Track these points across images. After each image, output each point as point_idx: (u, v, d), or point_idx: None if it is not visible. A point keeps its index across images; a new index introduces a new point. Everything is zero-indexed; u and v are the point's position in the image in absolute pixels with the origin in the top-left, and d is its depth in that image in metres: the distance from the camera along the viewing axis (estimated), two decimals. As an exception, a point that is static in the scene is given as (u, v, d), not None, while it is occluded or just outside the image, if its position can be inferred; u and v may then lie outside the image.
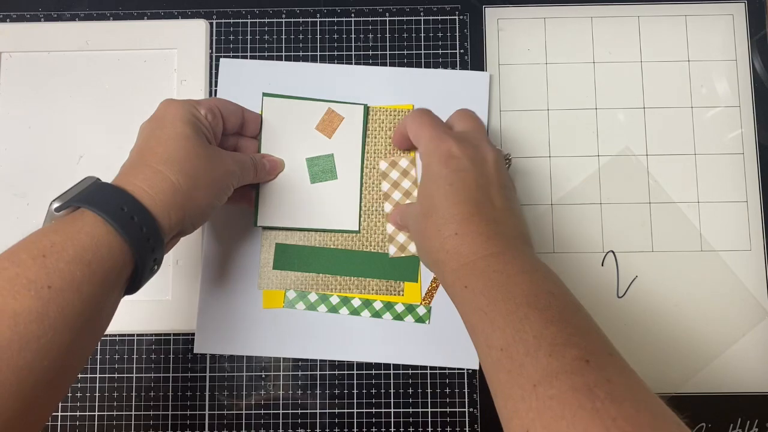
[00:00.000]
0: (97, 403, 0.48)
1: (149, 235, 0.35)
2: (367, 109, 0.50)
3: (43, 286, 0.31)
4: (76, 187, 0.37)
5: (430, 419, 0.48)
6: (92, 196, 0.35)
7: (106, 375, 0.49)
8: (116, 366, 0.49)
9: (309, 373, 0.48)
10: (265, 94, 0.50)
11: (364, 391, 0.48)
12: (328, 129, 0.49)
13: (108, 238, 0.34)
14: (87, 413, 0.48)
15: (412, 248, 0.49)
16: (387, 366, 0.48)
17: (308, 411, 0.48)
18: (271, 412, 0.48)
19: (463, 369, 0.48)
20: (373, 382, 0.48)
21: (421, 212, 0.41)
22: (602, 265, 0.49)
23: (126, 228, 0.34)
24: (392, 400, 0.48)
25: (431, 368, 0.48)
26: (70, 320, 0.31)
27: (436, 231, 0.39)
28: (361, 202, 0.49)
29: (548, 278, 0.36)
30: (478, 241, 0.37)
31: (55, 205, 0.35)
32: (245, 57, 0.52)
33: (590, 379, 0.29)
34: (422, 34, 0.52)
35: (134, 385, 0.48)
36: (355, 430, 0.48)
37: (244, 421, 0.48)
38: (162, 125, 0.40)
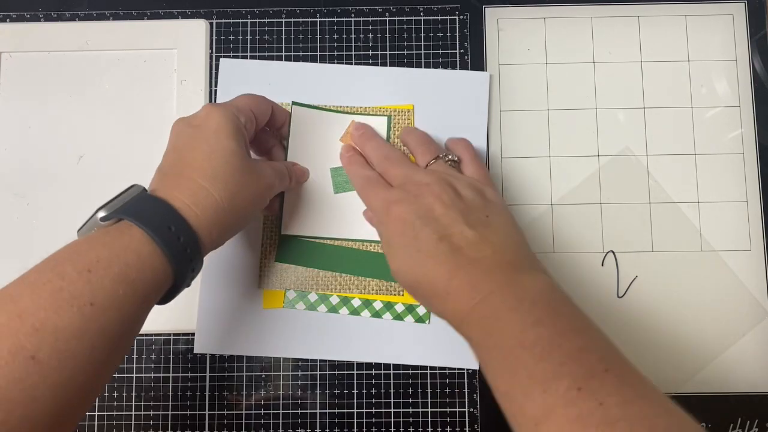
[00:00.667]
0: (97, 403, 0.48)
1: (192, 256, 0.35)
2: (390, 120, 0.50)
3: (86, 303, 0.30)
4: (123, 197, 0.36)
5: (430, 419, 0.48)
6: (140, 210, 0.34)
7: (106, 375, 0.49)
8: (116, 366, 0.49)
9: (309, 373, 0.48)
10: (294, 103, 0.50)
11: (364, 391, 0.48)
12: (346, 137, 0.50)
13: (153, 257, 0.33)
14: (87, 413, 0.48)
15: None
16: (387, 366, 0.48)
17: (308, 411, 0.48)
18: (271, 412, 0.48)
19: (463, 369, 0.48)
20: (373, 382, 0.48)
21: (406, 285, 0.40)
22: (602, 265, 0.49)
23: (172, 249, 0.34)
24: (392, 400, 0.48)
25: (431, 368, 0.48)
26: (109, 338, 0.31)
27: (427, 304, 0.39)
28: None
29: (535, 304, 0.34)
30: (464, 293, 0.36)
31: (101, 214, 0.34)
32: (245, 57, 0.52)
33: (583, 409, 0.29)
34: (422, 34, 0.52)
35: (134, 385, 0.48)
36: (355, 430, 0.48)
37: (244, 421, 0.48)
38: (206, 137, 0.38)
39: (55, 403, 0.29)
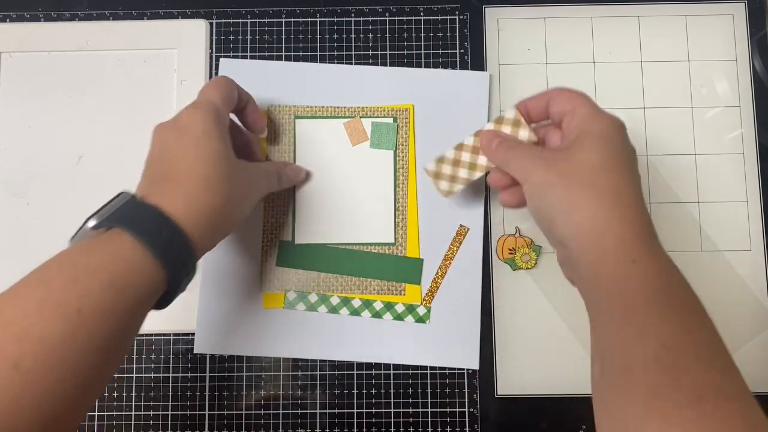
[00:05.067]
0: (97, 403, 0.48)
1: (186, 260, 0.35)
2: (396, 121, 0.50)
3: (73, 310, 0.30)
4: (112, 204, 0.36)
5: (430, 419, 0.48)
6: (130, 216, 0.34)
7: (106, 375, 0.49)
8: (116, 366, 0.49)
9: (309, 373, 0.48)
10: (297, 117, 0.50)
11: (364, 391, 0.48)
12: (353, 136, 0.50)
13: (145, 263, 0.33)
14: (87, 413, 0.48)
15: (458, 188, 0.45)
16: (387, 366, 0.48)
17: (308, 411, 0.48)
18: (271, 412, 0.48)
19: (463, 369, 0.48)
20: (373, 382, 0.48)
21: (575, 179, 0.36)
22: None
23: (164, 253, 0.33)
24: (392, 400, 0.48)
25: (431, 368, 0.48)
26: (98, 344, 0.31)
27: (625, 191, 0.35)
28: (395, 213, 0.49)
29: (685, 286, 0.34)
30: (650, 226, 0.35)
31: (92, 223, 0.34)
32: (245, 57, 0.52)
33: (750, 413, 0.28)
34: (422, 34, 0.52)
35: (134, 385, 0.48)
36: (355, 430, 0.48)
37: (244, 421, 0.48)
38: (194, 140, 0.38)
39: (42, 413, 0.29)
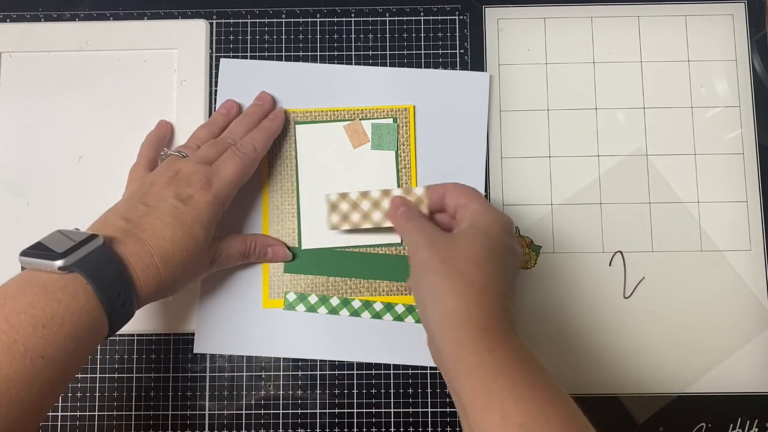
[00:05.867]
0: (97, 403, 0.48)
1: (130, 315, 0.38)
2: (396, 121, 0.50)
3: (38, 356, 0.32)
4: (82, 247, 0.35)
5: (430, 419, 0.48)
6: (99, 271, 0.35)
7: (106, 375, 0.49)
8: (116, 366, 0.49)
9: (309, 373, 0.48)
10: (297, 123, 0.50)
11: (364, 391, 0.48)
12: (354, 138, 0.50)
13: (101, 320, 0.35)
14: (87, 413, 0.48)
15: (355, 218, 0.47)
16: (387, 366, 0.48)
17: (308, 411, 0.48)
18: (271, 412, 0.48)
19: (463, 369, 0.48)
20: (373, 382, 0.48)
21: (452, 263, 0.38)
22: (610, 265, 0.49)
23: (115, 312, 0.36)
24: (392, 400, 0.48)
25: (431, 368, 0.48)
26: (55, 387, 0.33)
27: (491, 285, 0.37)
28: None
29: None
30: (509, 319, 0.37)
31: (59, 263, 0.34)
32: (245, 57, 0.52)
33: None
34: (422, 34, 0.52)
35: (134, 385, 0.48)
36: (355, 430, 0.48)
37: (244, 421, 0.48)
38: (182, 220, 0.40)
39: None
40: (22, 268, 0.36)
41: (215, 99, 0.51)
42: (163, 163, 0.44)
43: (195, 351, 0.49)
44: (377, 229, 0.49)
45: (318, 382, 0.48)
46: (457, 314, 0.36)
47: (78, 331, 0.34)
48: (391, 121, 0.50)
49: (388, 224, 0.46)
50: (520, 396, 0.33)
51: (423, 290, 0.38)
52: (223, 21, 0.52)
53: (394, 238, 0.49)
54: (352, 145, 0.50)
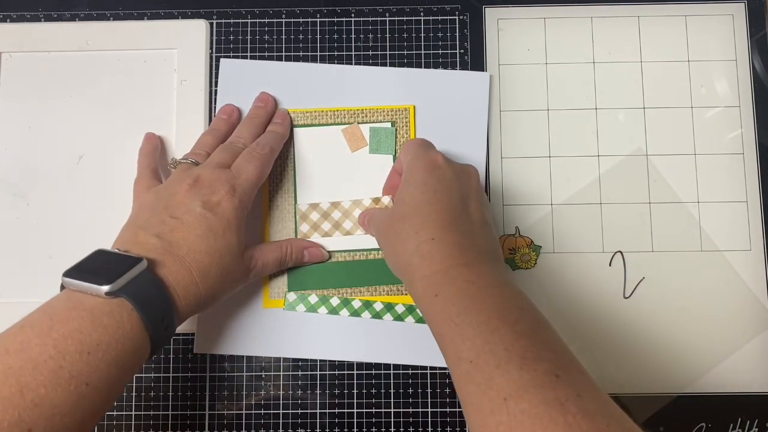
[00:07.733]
0: (97, 403, 0.48)
1: (171, 337, 0.38)
2: (394, 125, 0.50)
3: (83, 383, 0.32)
4: (128, 272, 0.35)
5: (430, 419, 0.48)
6: (145, 297, 0.35)
7: (106, 375, 0.49)
8: (116, 366, 0.49)
9: (309, 373, 0.49)
10: (295, 125, 0.50)
11: (364, 391, 0.48)
12: (352, 142, 0.50)
13: (144, 345, 0.36)
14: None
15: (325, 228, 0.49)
16: (387, 366, 0.48)
17: (308, 411, 0.48)
18: (271, 412, 0.48)
19: (463, 369, 0.48)
20: (373, 382, 0.48)
21: (399, 215, 0.40)
22: (610, 265, 0.49)
23: (159, 337, 0.36)
24: (392, 400, 0.48)
25: (431, 368, 0.48)
26: (97, 413, 0.34)
27: (413, 234, 0.38)
28: None
29: (519, 295, 0.36)
30: (453, 249, 0.37)
31: (106, 289, 0.34)
32: (245, 57, 0.52)
33: (561, 394, 0.29)
34: (422, 34, 0.52)
35: (134, 385, 0.48)
36: (355, 430, 0.48)
37: (244, 421, 0.48)
38: (215, 230, 0.40)
39: None
40: (62, 287, 0.36)
41: (215, 99, 0.51)
42: (177, 170, 0.44)
43: (195, 351, 0.49)
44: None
45: (318, 382, 0.48)
46: (408, 266, 0.38)
47: (122, 358, 0.34)
48: (389, 125, 0.50)
49: (360, 232, 0.48)
50: (471, 332, 0.33)
51: (386, 252, 0.41)
52: (223, 21, 0.52)
53: None
54: (350, 148, 0.50)
